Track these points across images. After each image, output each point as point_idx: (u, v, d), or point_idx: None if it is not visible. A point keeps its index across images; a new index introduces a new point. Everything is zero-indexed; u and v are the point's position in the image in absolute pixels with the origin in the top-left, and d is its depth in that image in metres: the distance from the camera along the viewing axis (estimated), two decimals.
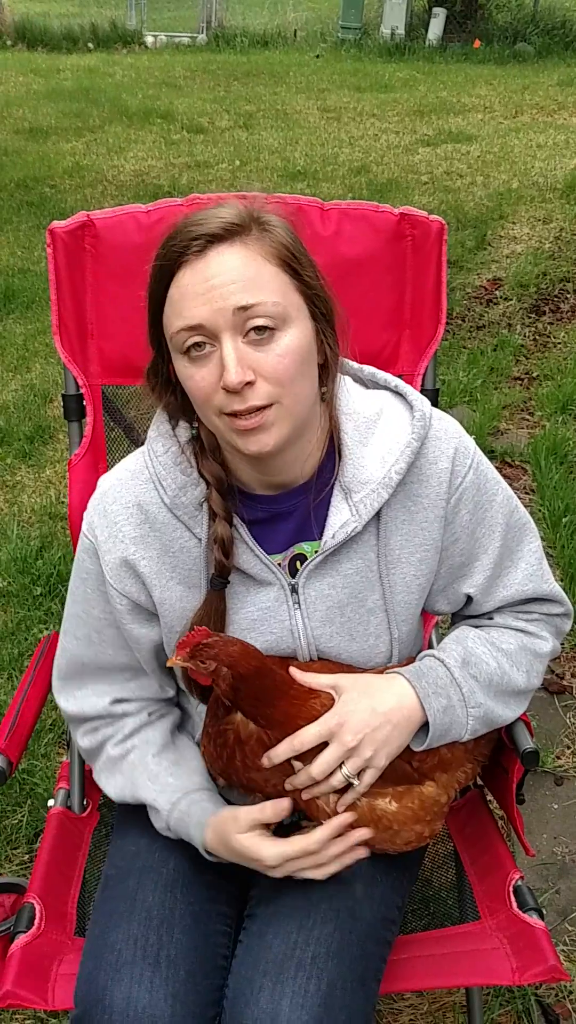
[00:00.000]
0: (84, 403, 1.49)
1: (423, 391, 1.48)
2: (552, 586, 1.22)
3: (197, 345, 0.99)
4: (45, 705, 1.42)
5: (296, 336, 1.01)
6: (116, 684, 1.21)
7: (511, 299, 4.40)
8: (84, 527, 1.15)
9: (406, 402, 1.14)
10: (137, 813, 1.21)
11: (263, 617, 1.13)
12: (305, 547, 1.13)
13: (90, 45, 11.68)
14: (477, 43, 11.05)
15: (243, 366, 0.98)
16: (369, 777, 1.07)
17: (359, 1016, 1.04)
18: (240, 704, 1.07)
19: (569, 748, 2.08)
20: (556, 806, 1.94)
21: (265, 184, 6.01)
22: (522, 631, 1.20)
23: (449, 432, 1.14)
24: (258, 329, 0.98)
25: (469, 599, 1.21)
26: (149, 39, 11.87)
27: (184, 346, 1.00)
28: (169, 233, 1.02)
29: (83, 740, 1.24)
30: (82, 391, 1.48)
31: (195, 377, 1.00)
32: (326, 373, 1.10)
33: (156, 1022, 1.00)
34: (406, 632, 1.18)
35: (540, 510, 2.84)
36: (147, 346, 1.11)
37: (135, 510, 1.12)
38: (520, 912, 1.21)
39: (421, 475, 1.11)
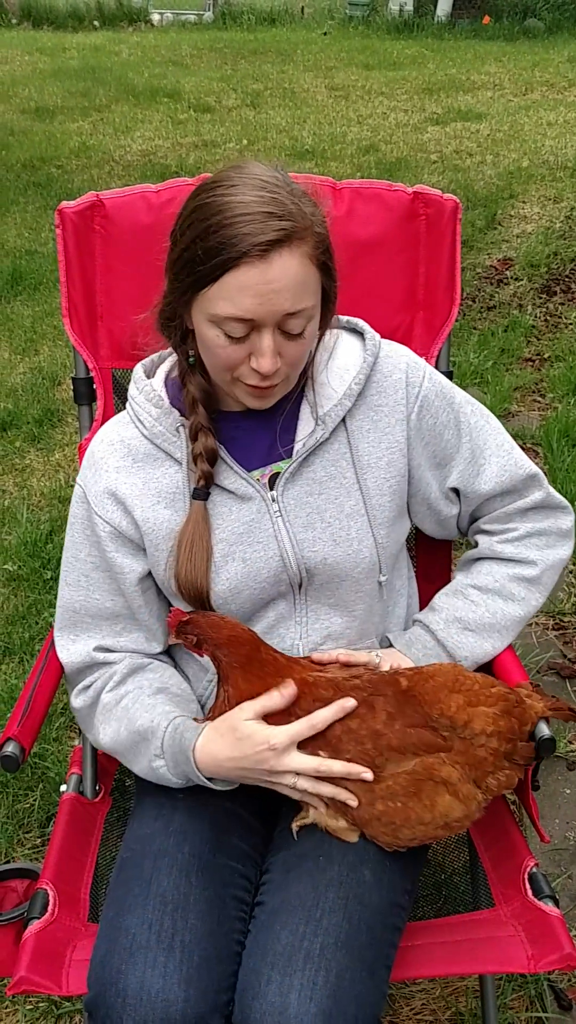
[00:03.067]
0: (94, 386, 1.48)
1: None
2: (527, 468, 1.31)
3: (238, 328, 1.09)
4: (57, 689, 1.41)
5: (314, 325, 1.15)
6: (103, 632, 1.28)
7: (522, 279, 4.35)
8: (78, 477, 1.27)
9: (357, 332, 1.29)
10: (154, 795, 1.21)
11: (248, 530, 1.21)
12: (281, 466, 1.23)
13: (96, 23, 11.58)
14: (487, 19, 10.90)
15: (276, 356, 1.10)
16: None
17: (368, 1005, 1.04)
18: (226, 673, 1.14)
19: None
20: (569, 791, 1.94)
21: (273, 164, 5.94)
22: (510, 559, 1.31)
23: (399, 352, 1.28)
24: (293, 330, 1.11)
25: (457, 511, 1.33)
26: (155, 17, 11.75)
27: (226, 326, 1.09)
28: (223, 217, 1.05)
29: (76, 700, 1.29)
30: (92, 374, 1.47)
31: (226, 350, 1.11)
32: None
33: (169, 1007, 1.00)
34: (385, 536, 1.25)
35: None
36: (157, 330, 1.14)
37: (118, 445, 1.24)
38: (535, 899, 1.20)
39: (379, 387, 1.25)
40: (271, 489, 1.22)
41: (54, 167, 6.14)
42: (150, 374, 1.28)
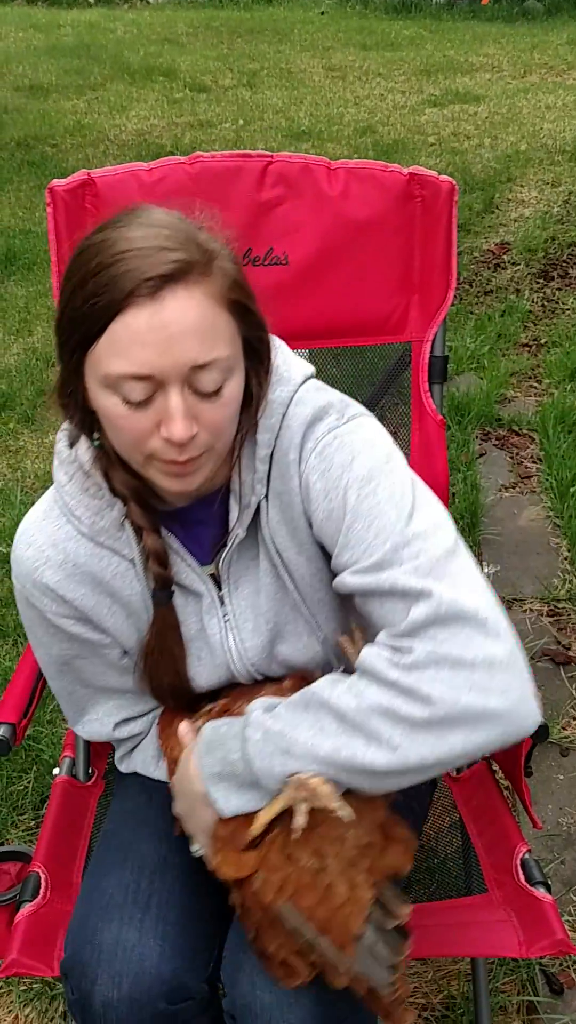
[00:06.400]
0: None
1: (432, 358, 1.45)
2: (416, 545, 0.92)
3: (137, 389, 0.89)
4: None
5: (237, 382, 0.95)
6: (112, 704, 1.18)
7: (519, 264, 4.33)
8: (12, 575, 1.08)
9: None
10: (136, 774, 1.21)
11: (199, 633, 1.09)
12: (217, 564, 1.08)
13: (91, 0, 11.44)
14: (485, 0, 10.80)
15: (189, 419, 0.90)
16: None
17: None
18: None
19: (575, 719, 2.07)
20: (562, 777, 1.94)
21: (269, 144, 5.90)
22: (393, 684, 0.87)
23: (300, 418, 1.01)
24: (206, 387, 0.91)
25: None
26: None
27: (123, 389, 0.89)
28: (106, 256, 0.88)
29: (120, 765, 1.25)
30: None
31: (129, 420, 0.91)
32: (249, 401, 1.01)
33: (145, 961, 0.99)
34: (333, 630, 1.10)
35: (547, 479, 2.81)
36: None
37: (52, 552, 1.04)
38: (527, 885, 1.21)
39: (279, 469, 1.02)
40: (219, 588, 1.08)
41: (48, 146, 6.08)
42: (75, 441, 1.04)
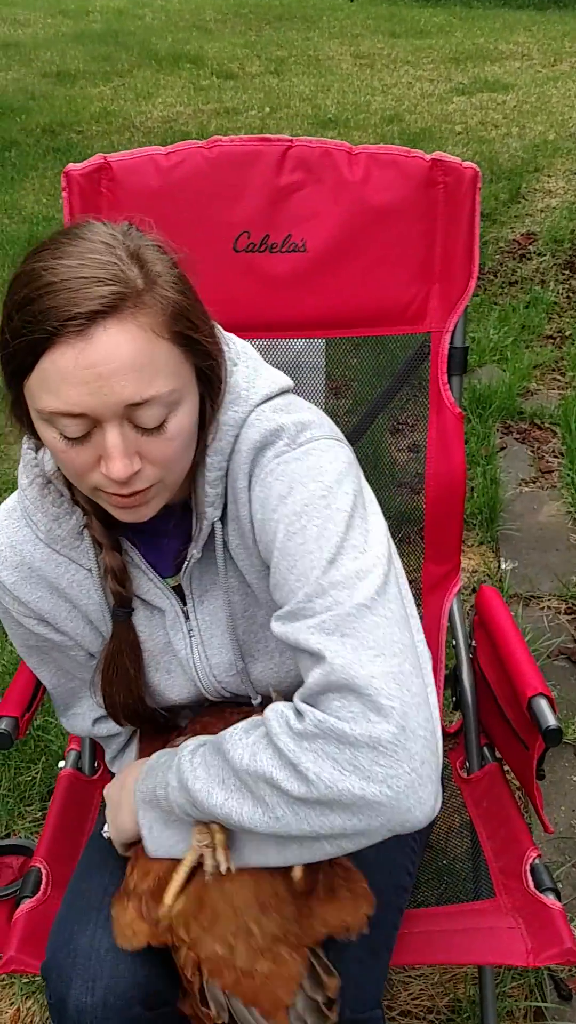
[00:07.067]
0: None
1: (452, 349, 1.42)
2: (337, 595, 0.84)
3: (72, 426, 0.84)
4: None
5: (186, 413, 0.88)
6: (91, 702, 1.15)
7: (544, 255, 4.26)
8: None
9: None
10: None
11: (165, 649, 1.06)
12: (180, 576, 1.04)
13: None
14: None
15: (130, 456, 0.85)
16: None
17: (369, 986, 1.01)
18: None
19: None
20: (575, 779, 1.90)
21: (295, 132, 5.84)
22: (281, 753, 0.82)
23: (249, 442, 0.94)
24: (146, 424, 0.86)
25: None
26: None
27: (59, 425, 0.84)
28: (32, 289, 0.81)
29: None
30: None
31: (68, 454, 0.86)
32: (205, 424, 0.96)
33: (120, 965, 0.97)
34: None
35: (569, 475, 2.76)
36: None
37: (9, 552, 1.01)
38: (536, 892, 1.18)
39: (235, 496, 0.96)
40: (183, 602, 1.04)
41: (74, 132, 6.06)
42: (41, 446, 0.97)
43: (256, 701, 1.08)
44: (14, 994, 1.58)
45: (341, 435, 0.99)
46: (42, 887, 1.18)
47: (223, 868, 0.94)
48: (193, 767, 0.91)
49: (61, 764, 1.42)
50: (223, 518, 0.98)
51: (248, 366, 0.99)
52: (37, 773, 1.93)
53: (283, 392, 0.99)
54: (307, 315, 1.41)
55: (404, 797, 0.78)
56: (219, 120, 6.22)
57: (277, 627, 0.89)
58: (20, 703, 1.23)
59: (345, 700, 0.80)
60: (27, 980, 1.59)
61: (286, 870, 0.95)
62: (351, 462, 0.95)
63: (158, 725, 1.11)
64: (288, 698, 0.88)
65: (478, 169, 1.38)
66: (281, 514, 0.90)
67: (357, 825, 0.80)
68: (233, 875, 0.95)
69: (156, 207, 1.35)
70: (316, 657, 0.82)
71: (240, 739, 0.88)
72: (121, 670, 1.05)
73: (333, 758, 0.79)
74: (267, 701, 1.08)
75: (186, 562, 1.00)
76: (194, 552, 0.99)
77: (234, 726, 0.90)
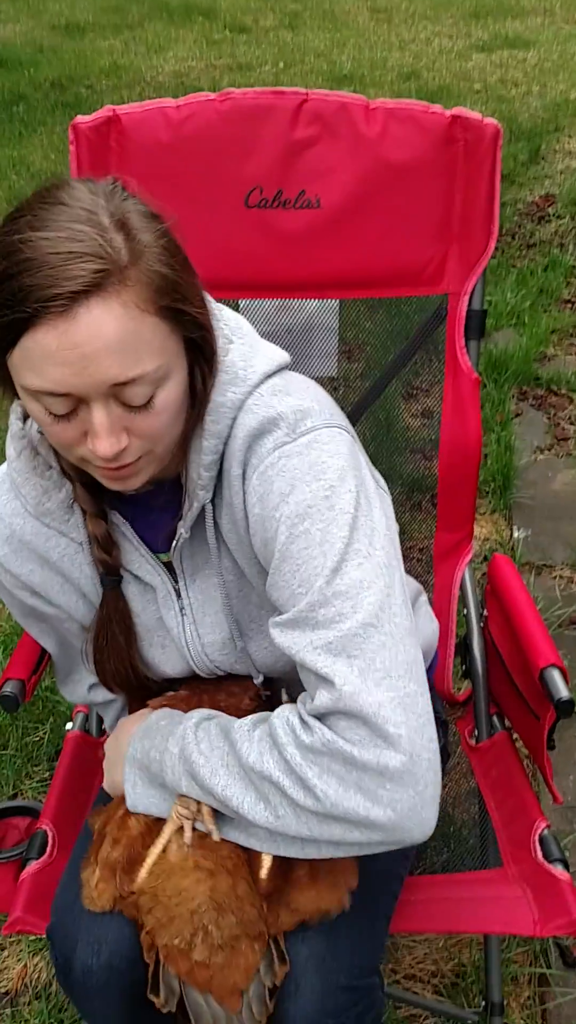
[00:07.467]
0: None
1: (470, 312, 1.38)
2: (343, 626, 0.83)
3: (57, 404, 0.82)
4: None
5: (174, 387, 0.85)
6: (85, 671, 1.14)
7: (564, 217, 4.18)
8: None
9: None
10: None
11: (158, 625, 1.05)
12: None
13: None
14: None
15: (116, 434, 0.83)
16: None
17: (366, 953, 1.01)
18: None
19: None
20: None
21: (309, 88, 5.74)
22: (287, 762, 0.84)
23: (246, 428, 0.91)
24: (133, 401, 0.83)
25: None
26: None
27: (43, 401, 0.82)
28: (11, 263, 0.77)
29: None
30: None
31: (54, 428, 0.84)
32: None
33: (123, 927, 0.98)
34: None
35: None
36: None
37: None
38: (545, 862, 1.17)
39: (229, 482, 0.93)
40: (174, 580, 1.02)
41: (83, 87, 5.96)
42: (28, 416, 0.96)
43: (258, 680, 1.07)
44: (21, 951, 1.59)
45: (341, 417, 0.95)
46: (48, 849, 1.18)
47: (215, 836, 0.94)
48: (197, 741, 0.91)
49: (68, 726, 1.42)
50: (214, 499, 0.95)
51: (244, 343, 0.94)
52: (44, 734, 1.93)
53: (280, 369, 0.96)
54: (321, 275, 1.37)
55: (406, 819, 0.80)
56: (231, 75, 6.10)
57: (278, 634, 0.88)
58: (27, 665, 1.22)
59: (353, 723, 0.81)
60: (34, 938, 1.60)
61: (253, 864, 0.95)
62: (352, 451, 0.92)
63: (151, 693, 1.10)
64: (291, 695, 0.88)
65: (499, 126, 1.33)
66: (283, 514, 0.88)
67: (356, 838, 0.83)
68: (188, 872, 0.95)
69: (166, 161, 1.32)
70: (324, 680, 0.83)
71: (247, 733, 0.88)
72: (112, 638, 1.03)
73: (339, 777, 0.81)
74: (268, 679, 1.07)
75: (175, 540, 0.98)
76: (183, 531, 0.96)
77: (241, 720, 0.91)
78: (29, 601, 1.05)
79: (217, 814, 0.94)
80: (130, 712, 1.15)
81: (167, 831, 0.96)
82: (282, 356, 0.97)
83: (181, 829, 0.96)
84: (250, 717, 0.91)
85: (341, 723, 0.81)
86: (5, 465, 1.00)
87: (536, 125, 5.08)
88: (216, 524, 0.96)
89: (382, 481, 1.03)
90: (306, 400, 0.92)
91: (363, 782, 0.80)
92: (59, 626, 1.09)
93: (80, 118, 1.33)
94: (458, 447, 1.42)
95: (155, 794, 0.97)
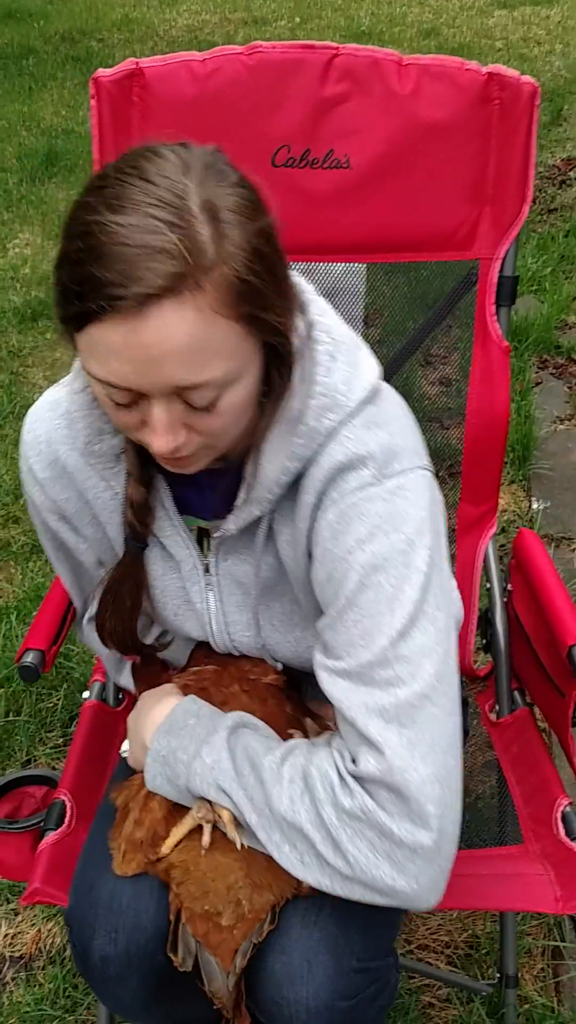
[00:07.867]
0: None
1: (501, 278, 1.34)
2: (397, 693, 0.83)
3: (119, 394, 0.80)
4: None
5: (242, 389, 0.81)
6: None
7: None
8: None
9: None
10: None
11: (183, 599, 1.03)
12: (216, 523, 0.99)
13: None
14: None
15: (175, 431, 0.80)
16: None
17: (378, 933, 0.99)
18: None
19: None
20: None
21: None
22: (322, 821, 0.85)
23: (332, 459, 0.86)
24: (196, 402, 0.80)
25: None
26: None
27: (105, 388, 0.80)
28: (88, 244, 0.73)
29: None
30: None
31: (116, 412, 0.82)
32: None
33: (140, 915, 0.97)
34: None
35: None
36: None
37: (44, 447, 0.98)
38: (567, 839, 1.16)
39: (299, 504, 0.89)
40: (204, 554, 1.00)
41: (94, 40, 5.84)
42: None
43: (278, 668, 1.06)
44: (35, 916, 1.60)
45: (424, 452, 0.92)
46: (67, 820, 1.17)
47: (237, 844, 0.93)
48: (235, 772, 0.91)
49: (85, 695, 1.41)
50: (274, 510, 0.93)
51: (347, 361, 0.89)
52: (59, 700, 1.93)
53: (375, 392, 0.90)
54: (349, 237, 1.33)
55: (426, 891, 0.83)
56: (247, 30, 5.98)
57: (326, 678, 0.87)
58: (47, 636, 1.20)
59: (394, 796, 0.82)
60: (50, 914, 1.61)
61: None
62: (433, 498, 0.89)
63: (147, 659, 1.08)
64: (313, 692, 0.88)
65: (537, 84, 1.29)
66: (357, 560, 0.85)
67: (374, 899, 0.85)
68: (227, 850, 0.95)
69: (190, 117, 1.28)
70: (372, 745, 0.83)
71: (276, 771, 0.89)
72: (118, 600, 1.02)
73: (371, 844, 0.83)
74: (287, 669, 1.06)
75: (218, 532, 0.95)
76: (231, 528, 0.94)
77: (271, 755, 0.91)
78: (53, 524, 1.04)
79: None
80: (138, 676, 1.13)
81: (188, 822, 0.97)
82: (376, 373, 0.92)
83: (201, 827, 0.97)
84: (279, 750, 0.92)
85: (383, 794, 0.82)
86: (62, 390, 0.98)
87: (559, 85, 4.97)
88: (271, 527, 0.94)
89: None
90: (396, 436, 0.89)
91: (394, 854, 0.82)
92: (78, 555, 1.07)
93: (101, 71, 1.28)
94: (485, 418, 1.39)
95: (174, 791, 0.97)
